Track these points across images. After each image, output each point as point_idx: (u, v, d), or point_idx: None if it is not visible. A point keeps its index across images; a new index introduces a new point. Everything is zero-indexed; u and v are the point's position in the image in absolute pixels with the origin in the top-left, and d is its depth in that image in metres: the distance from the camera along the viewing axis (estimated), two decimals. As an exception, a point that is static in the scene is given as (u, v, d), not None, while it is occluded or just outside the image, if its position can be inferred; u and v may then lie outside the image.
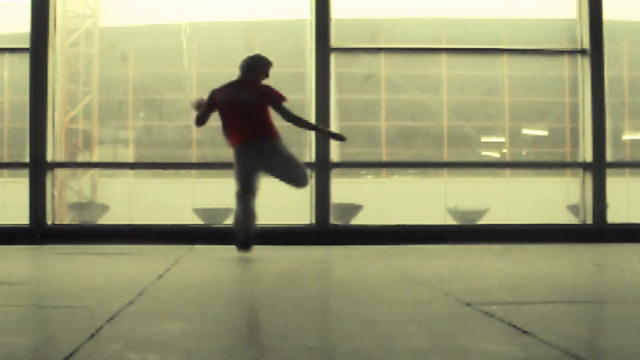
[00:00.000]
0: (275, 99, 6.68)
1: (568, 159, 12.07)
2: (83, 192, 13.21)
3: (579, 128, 8.75)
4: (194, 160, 13.42)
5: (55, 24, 8.36)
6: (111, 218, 11.91)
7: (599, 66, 8.52)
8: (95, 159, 13.45)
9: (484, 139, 14.26)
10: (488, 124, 14.04)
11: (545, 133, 13.95)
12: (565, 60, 9.61)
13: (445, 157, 12.38)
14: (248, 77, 6.81)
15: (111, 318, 3.10)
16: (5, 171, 11.20)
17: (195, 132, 13.68)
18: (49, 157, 8.27)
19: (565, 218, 9.75)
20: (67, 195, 12.67)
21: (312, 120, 8.33)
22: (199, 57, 13.20)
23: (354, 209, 11.27)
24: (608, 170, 8.57)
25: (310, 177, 8.40)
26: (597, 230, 8.42)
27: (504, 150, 14.40)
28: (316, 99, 8.36)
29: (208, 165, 12.13)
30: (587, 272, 5.59)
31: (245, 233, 6.62)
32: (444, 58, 11.53)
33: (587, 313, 3.51)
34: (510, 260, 6.44)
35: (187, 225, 9.12)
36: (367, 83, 12.64)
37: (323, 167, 8.32)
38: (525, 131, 14.23)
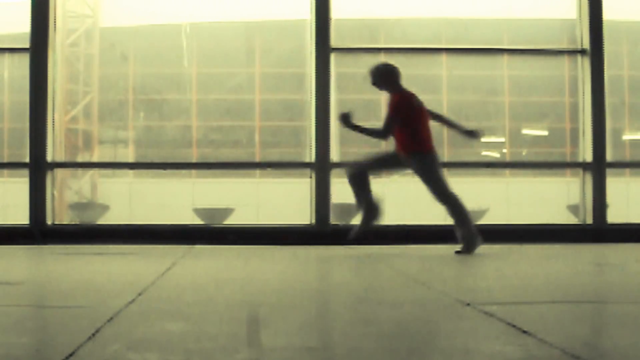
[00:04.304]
0: None
1: (568, 159, 12.07)
2: (83, 192, 13.21)
3: (579, 128, 8.75)
4: (194, 160, 13.42)
5: (55, 24, 8.36)
6: (111, 218, 11.91)
7: (599, 66, 8.52)
8: (95, 159, 13.46)
9: (484, 139, 14.25)
10: (488, 124, 14.03)
11: (545, 133, 13.94)
12: (565, 60, 9.61)
13: (445, 157, 12.39)
14: None
15: (111, 318, 3.10)
16: (5, 171, 11.20)
17: (196, 132, 13.69)
18: (49, 157, 8.27)
19: (565, 218, 9.75)
20: (67, 195, 12.67)
21: (313, 120, 8.35)
22: (199, 57, 13.19)
23: (354, 209, 11.25)
24: (608, 170, 8.58)
25: (311, 177, 8.42)
26: (597, 230, 8.42)
27: (504, 150, 14.40)
28: (316, 99, 8.36)
29: (208, 165, 12.14)
30: (587, 272, 5.59)
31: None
32: (444, 58, 11.54)
33: (587, 313, 3.51)
34: (510, 260, 6.44)
35: (187, 225, 9.12)
36: (367, 83, 12.64)
37: (323, 167, 8.32)
38: (525, 131, 14.23)
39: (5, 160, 12.25)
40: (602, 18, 8.53)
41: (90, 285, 4.53)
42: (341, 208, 9.45)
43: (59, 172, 10.31)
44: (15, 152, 10.82)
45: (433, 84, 12.42)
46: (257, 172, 13.56)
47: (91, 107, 13.10)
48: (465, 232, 6.59)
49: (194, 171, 13.58)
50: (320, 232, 8.22)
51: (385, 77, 6.91)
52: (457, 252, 6.60)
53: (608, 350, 2.63)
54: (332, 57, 8.44)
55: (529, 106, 14.08)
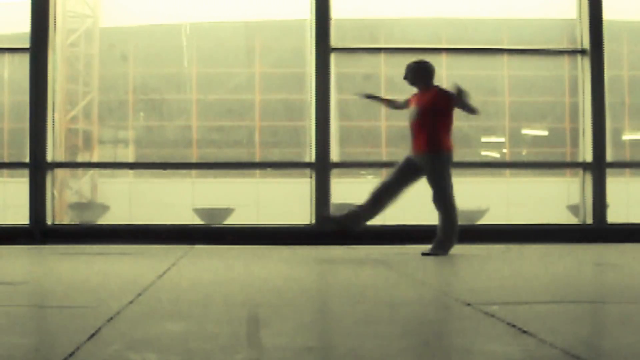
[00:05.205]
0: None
1: (568, 159, 12.07)
2: (83, 192, 13.22)
3: (579, 128, 8.75)
4: (194, 160, 13.43)
5: (55, 24, 8.36)
6: (111, 218, 11.91)
7: (599, 66, 8.52)
8: (95, 159, 13.46)
9: (484, 139, 14.26)
10: (488, 124, 14.03)
11: (545, 133, 13.95)
12: (565, 60, 9.61)
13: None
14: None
15: (111, 318, 3.10)
16: (5, 171, 11.20)
17: (195, 132, 13.69)
18: (49, 157, 8.27)
19: (565, 218, 9.74)
20: (67, 195, 12.67)
21: (313, 120, 8.35)
22: (199, 57, 13.20)
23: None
24: (608, 170, 8.58)
25: (311, 177, 8.41)
26: (597, 230, 8.42)
27: (504, 150, 14.41)
28: (316, 99, 8.36)
29: (208, 165, 12.15)
30: (587, 272, 5.59)
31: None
32: (444, 58, 11.52)
33: (587, 313, 3.51)
34: (510, 260, 6.44)
35: (187, 225, 9.12)
36: (367, 83, 12.64)
37: (323, 167, 8.32)
38: (525, 131, 14.23)
39: (5, 160, 12.26)
40: (602, 18, 8.53)
41: (91, 285, 4.53)
42: (341, 208, 9.45)
43: (59, 172, 10.32)
44: (15, 152, 10.83)
45: (433, 84, 12.40)
46: (257, 172, 13.57)
47: (91, 107, 13.11)
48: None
49: (194, 171, 13.59)
50: (320, 232, 8.21)
51: (418, 73, 6.80)
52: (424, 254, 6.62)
53: (608, 350, 2.63)
54: (332, 57, 8.44)
55: (529, 106, 14.08)
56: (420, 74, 6.74)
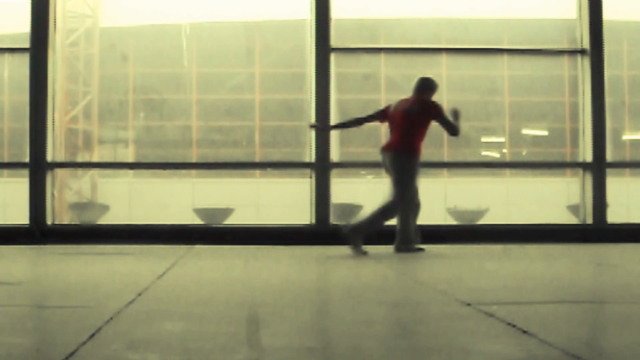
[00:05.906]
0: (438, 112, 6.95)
1: (568, 159, 12.07)
2: (83, 192, 13.22)
3: (579, 128, 8.75)
4: (194, 160, 13.43)
5: (55, 24, 8.36)
6: (111, 218, 11.91)
7: (599, 66, 8.52)
8: (95, 159, 13.46)
9: (484, 139, 14.27)
10: (488, 124, 14.04)
11: (545, 133, 13.96)
12: (565, 60, 9.62)
13: (445, 157, 12.39)
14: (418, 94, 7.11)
15: (111, 318, 3.10)
16: (5, 171, 11.20)
17: (195, 132, 13.69)
18: (49, 157, 8.27)
19: (565, 218, 9.75)
20: (67, 195, 12.67)
21: (313, 120, 8.35)
22: (199, 57, 13.20)
23: (354, 209, 11.27)
24: (608, 170, 8.58)
25: (311, 177, 8.41)
26: (597, 230, 8.42)
27: (504, 150, 14.41)
28: (316, 99, 8.36)
29: (208, 165, 12.15)
30: (587, 272, 5.59)
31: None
32: (444, 58, 11.54)
33: (587, 313, 3.51)
34: (510, 260, 6.44)
35: (187, 225, 9.12)
36: (367, 83, 12.64)
37: (323, 167, 8.32)
38: (525, 131, 14.24)
39: (5, 160, 12.26)
40: (602, 18, 8.53)
41: (90, 285, 4.53)
42: (341, 208, 9.45)
43: (59, 172, 10.32)
44: (15, 152, 10.83)
45: (433, 84, 12.39)
46: (257, 172, 13.58)
47: (91, 107, 13.11)
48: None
49: (194, 171, 13.59)
50: (320, 232, 8.21)
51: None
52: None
53: (608, 350, 2.63)
54: (332, 57, 8.43)
55: (529, 106, 14.09)
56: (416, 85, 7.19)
